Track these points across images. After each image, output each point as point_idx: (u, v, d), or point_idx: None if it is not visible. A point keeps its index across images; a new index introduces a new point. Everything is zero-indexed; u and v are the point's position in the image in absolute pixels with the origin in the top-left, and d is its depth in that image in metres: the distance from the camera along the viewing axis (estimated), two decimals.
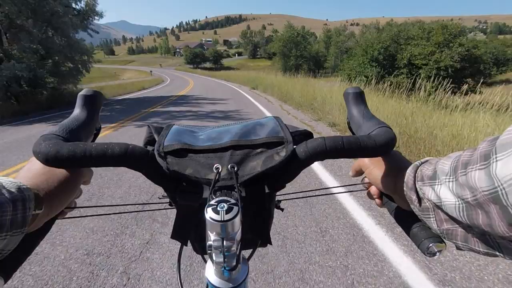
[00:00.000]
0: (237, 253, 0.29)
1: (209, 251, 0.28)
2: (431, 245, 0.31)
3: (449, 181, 0.25)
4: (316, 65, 49.47)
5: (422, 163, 0.32)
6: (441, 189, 0.26)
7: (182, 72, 53.29)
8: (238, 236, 0.28)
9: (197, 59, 72.54)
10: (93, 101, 0.39)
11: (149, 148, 0.36)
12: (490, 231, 0.22)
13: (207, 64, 74.10)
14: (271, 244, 0.38)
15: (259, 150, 0.35)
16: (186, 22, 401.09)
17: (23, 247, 0.29)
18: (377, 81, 8.25)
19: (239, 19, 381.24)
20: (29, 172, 0.31)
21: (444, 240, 0.31)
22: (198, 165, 0.33)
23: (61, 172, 0.32)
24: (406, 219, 0.35)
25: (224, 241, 0.27)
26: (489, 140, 0.22)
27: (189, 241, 0.38)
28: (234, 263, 0.29)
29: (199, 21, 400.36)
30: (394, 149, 0.36)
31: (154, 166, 0.33)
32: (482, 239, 0.25)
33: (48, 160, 0.30)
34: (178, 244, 0.41)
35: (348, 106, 0.42)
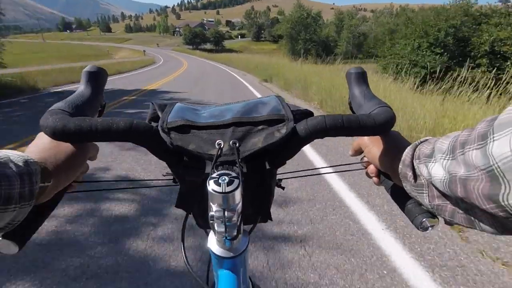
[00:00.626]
0: (238, 223, 0.30)
1: (211, 221, 0.29)
2: (424, 220, 0.33)
3: (444, 159, 0.26)
4: (325, 50, 44.80)
5: (421, 142, 0.33)
6: (434, 166, 0.27)
7: (178, 53, 49.17)
8: (239, 208, 0.29)
9: (197, 39, 67.67)
10: (97, 77, 0.39)
11: (153, 124, 0.37)
12: (466, 200, 0.24)
13: (208, 46, 69.28)
14: (271, 220, 0.40)
15: (260, 127, 0.36)
16: (188, 1, 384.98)
17: (35, 217, 0.31)
18: (442, 74, 5.21)
19: (243, 0, 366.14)
20: (36, 147, 0.32)
21: (436, 215, 0.32)
22: (200, 141, 0.34)
23: (68, 147, 0.33)
24: (401, 196, 0.37)
25: (226, 212, 0.28)
26: (488, 120, 0.23)
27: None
28: (235, 233, 0.30)
29: (202, 0, 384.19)
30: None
31: (158, 141, 0.34)
32: (466, 215, 0.26)
33: (55, 134, 0.30)
34: None
35: (350, 86, 0.43)
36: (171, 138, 0.34)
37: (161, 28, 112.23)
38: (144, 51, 45.60)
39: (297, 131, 0.34)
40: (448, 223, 0.31)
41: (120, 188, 0.39)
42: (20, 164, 0.27)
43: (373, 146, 0.40)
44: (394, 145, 0.36)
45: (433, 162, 0.28)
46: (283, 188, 0.46)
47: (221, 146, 0.34)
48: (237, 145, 0.34)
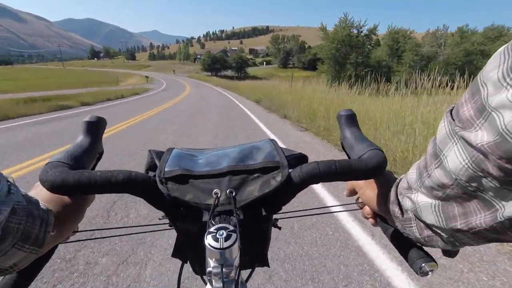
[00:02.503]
0: (236, 278, 0.30)
1: (208, 277, 0.29)
2: (423, 264, 0.32)
3: (420, 187, 0.27)
4: (377, 76, 31.44)
5: (401, 178, 0.34)
6: (417, 196, 0.28)
7: (191, 80, 39.95)
8: (237, 261, 0.29)
9: (217, 65, 58.56)
10: (96, 127, 0.40)
11: (151, 173, 0.37)
12: (464, 225, 0.24)
13: (229, 72, 60.07)
14: (268, 266, 0.40)
15: (256, 175, 0.36)
16: (212, 32, 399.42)
17: (29, 271, 0.30)
18: None
19: (266, 30, 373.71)
20: (37, 197, 0.31)
21: (435, 260, 0.32)
22: (197, 191, 0.34)
23: (67, 199, 0.33)
24: (400, 239, 0.37)
25: (223, 268, 0.28)
26: (432, 140, 0.26)
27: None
28: None
29: (226, 31, 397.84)
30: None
31: (155, 192, 0.34)
32: (451, 239, 0.27)
33: (55, 188, 0.30)
34: None
35: (341, 128, 0.44)
36: (168, 189, 0.34)
37: (182, 55, 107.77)
38: (147, 77, 36.44)
39: (292, 178, 0.35)
40: (446, 253, 0.31)
41: (114, 236, 0.42)
42: (44, 209, 0.28)
43: (366, 188, 0.40)
44: (387, 187, 0.36)
45: (414, 193, 0.29)
46: (279, 228, 0.45)
47: (218, 196, 0.34)
48: (233, 194, 0.34)
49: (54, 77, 43.81)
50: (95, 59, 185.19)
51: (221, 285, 0.29)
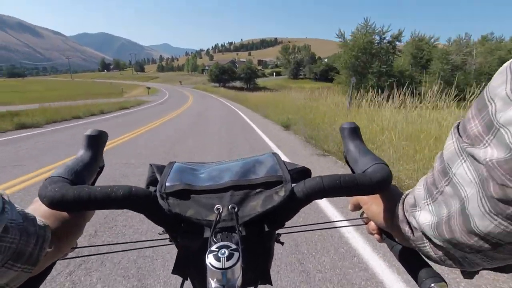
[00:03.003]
0: None
1: None
2: (432, 285, 0.31)
3: (428, 204, 0.26)
4: (402, 87, 27.18)
5: (407, 194, 0.33)
6: (421, 214, 0.27)
7: (196, 92, 37.28)
8: (239, 282, 0.28)
9: (225, 75, 55.95)
10: (98, 140, 0.40)
11: (152, 188, 0.37)
12: (453, 241, 0.23)
13: (237, 83, 57.38)
14: (271, 284, 0.38)
15: (258, 190, 0.35)
16: (221, 44, 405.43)
17: None
18: None
19: (274, 42, 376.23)
20: (36, 212, 0.31)
21: (444, 280, 0.31)
22: (199, 206, 0.34)
23: (66, 214, 0.33)
24: (406, 256, 0.35)
25: None
26: (439, 156, 0.25)
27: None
28: None
29: (234, 43, 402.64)
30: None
31: (156, 208, 0.33)
32: (464, 260, 0.26)
33: (54, 204, 0.30)
34: None
35: (344, 141, 0.43)
36: (169, 205, 0.33)
37: (189, 66, 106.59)
38: (149, 88, 33.77)
39: (295, 193, 0.34)
40: (465, 274, 0.30)
41: (113, 252, 0.54)
42: (41, 226, 0.27)
43: (371, 203, 0.39)
44: (392, 202, 0.35)
45: (418, 210, 0.28)
46: (282, 243, 0.44)
47: (220, 211, 0.33)
48: (236, 210, 0.33)
49: (61, 89, 43.34)
50: (105, 71, 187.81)
51: None
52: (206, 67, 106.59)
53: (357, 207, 0.43)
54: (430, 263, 0.33)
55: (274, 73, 79.47)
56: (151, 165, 0.41)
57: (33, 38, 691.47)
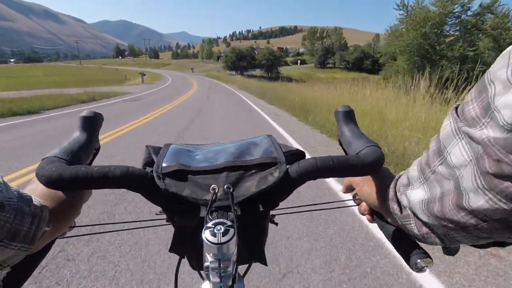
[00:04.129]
0: (233, 273, 0.30)
1: (206, 272, 0.29)
2: (418, 260, 0.32)
3: (422, 184, 0.27)
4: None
5: (400, 175, 0.34)
6: (412, 192, 0.28)
7: (206, 81, 30.65)
8: (234, 256, 0.29)
9: (243, 62, 47.12)
10: (93, 122, 0.40)
11: (148, 169, 0.37)
12: (441, 217, 0.24)
13: (257, 72, 48.61)
14: (265, 264, 0.39)
15: (253, 170, 0.36)
16: (239, 32, 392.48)
17: (24, 267, 0.30)
18: None
19: (294, 30, 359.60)
20: (34, 192, 0.31)
21: (430, 256, 0.33)
22: (195, 186, 0.34)
23: (64, 194, 0.33)
24: (396, 236, 0.37)
25: (221, 262, 0.28)
26: (435, 138, 0.26)
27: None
28: (230, 283, 0.30)
29: (253, 31, 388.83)
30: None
31: (153, 187, 0.33)
32: (447, 235, 0.27)
33: (51, 183, 0.30)
34: None
35: (339, 124, 0.44)
36: (165, 185, 0.33)
37: (204, 53, 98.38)
38: (143, 74, 25.77)
39: (289, 174, 0.35)
40: (446, 251, 0.32)
41: (112, 231, 0.51)
42: (38, 206, 0.27)
43: (364, 184, 0.40)
44: (384, 184, 0.36)
45: (411, 189, 0.29)
46: (276, 224, 0.45)
47: (216, 191, 0.34)
48: (231, 190, 0.34)
49: (62, 74, 41.12)
50: (120, 57, 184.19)
51: (218, 280, 0.29)
52: (222, 54, 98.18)
53: (350, 189, 0.44)
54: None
55: (299, 61, 69.39)
56: (147, 146, 0.41)
57: (56, 25, 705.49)
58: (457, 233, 0.25)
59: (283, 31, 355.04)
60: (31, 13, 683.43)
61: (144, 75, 25.83)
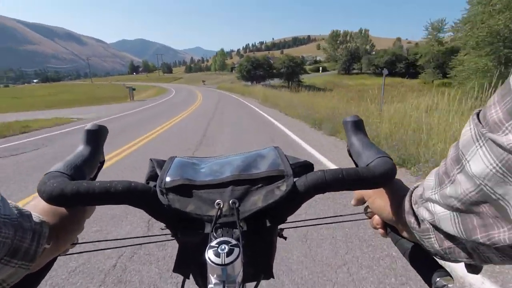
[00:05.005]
0: None
1: None
2: (438, 279, 0.30)
3: (435, 193, 0.26)
4: None
5: (416, 187, 0.32)
6: (434, 206, 0.26)
7: (216, 94, 25.65)
8: (240, 277, 0.28)
9: (259, 71, 41.27)
10: (98, 135, 0.39)
11: (151, 183, 0.36)
12: (486, 238, 0.21)
13: (275, 81, 42.52)
14: (273, 278, 0.37)
15: (259, 184, 0.35)
16: (252, 44, 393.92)
17: (24, 286, 0.29)
18: None
19: (307, 40, 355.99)
20: (36, 208, 0.31)
21: (450, 274, 0.31)
22: (199, 201, 0.33)
23: (66, 210, 0.32)
24: (411, 250, 0.35)
25: (225, 285, 0.27)
26: (454, 145, 0.24)
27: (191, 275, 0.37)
28: None
29: (266, 42, 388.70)
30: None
31: (155, 203, 0.33)
32: (475, 252, 0.25)
33: (52, 199, 0.30)
34: None
35: (348, 134, 0.42)
36: (169, 201, 0.32)
37: (216, 64, 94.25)
38: (133, 89, 20.05)
39: (297, 187, 0.33)
40: (470, 269, 0.29)
41: (116, 247, 0.52)
42: (37, 222, 0.27)
43: (376, 197, 0.38)
44: (398, 196, 0.35)
45: (429, 201, 0.27)
46: (285, 238, 0.44)
47: (221, 207, 0.32)
48: (236, 205, 0.33)
49: (67, 92, 40.15)
50: (134, 73, 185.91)
51: None
52: (235, 65, 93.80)
53: (360, 201, 0.42)
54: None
55: (320, 68, 62.79)
56: (151, 159, 0.40)
57: (78, 46, 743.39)
58: (489, 250, 0.23)
59: (297, 41, 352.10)
60: (55, 36, 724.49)
61: (134, 89, 20.26)
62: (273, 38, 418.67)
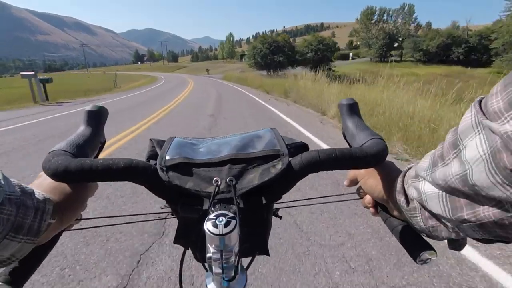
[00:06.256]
0: (235, 264, 0.30)
1: (208, 263, 0.29)
2: (422, 253, 0.32)
3: (427, 174, 0.27)
4: None
5: (409, 168, 0.33)
6: (424, 185, 0.28)
7: (219, 88, 16.42)
8: (236, 248, 0.29)
9: (278, 56, 30.93)
10: (98, 116, 0.40)
11: (152, 162, 0.37)
12: (471, 215, 0.22)
13: (298, 70, 32.35)
14: (268, 255, 0.39)
15: (256, 163, 0.36)
16: (262, 32, 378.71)
17: (32, 259, 0.31)
18: None
19: (320, 28, 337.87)
20: (41, 186, 0.32)
21: (434, 249, 0.32)
22: (198, 179, 0.34)
23: (70, 187, 0.33)
24: (398, 227, 0.36)
25: (223, 253, 0.28)
26: (452, 130, 0.24)
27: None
28: (233, 274, 0.30)
29: (276, 31, 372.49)
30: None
31: (156, 180, 0.34)
32: (457, 229, 0.26)
33: (57, 175, 0.31)
34: None
35: (342, 117, 0.43)
36: (169, 177, 0.34)
37: (224, 52, 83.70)
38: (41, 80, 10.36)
39: (292, 166, 0.35)
40: (452, 246, 0.31)
41: (119, 224, 0.55)
42: (40, 199, 0.28)
43: (368, 177, 0.40)
44: (389, 176, 0.36)
45: (420, 181, 0.28)
46: (280, 217, 0.45)
47: (218, 184, 0.34)
48: (234, 182, 0.34)
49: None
50: (139, 62, 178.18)
51: (220, 270, 0.29)
52: (245, 53, 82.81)
53: (353, 182, 0.44)
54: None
55: (350, 55, 51.60)
56: (151, 139, 0.41)
57: (88, 36, 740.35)
58: (471, 227, 0.24)
59: (309, 29, 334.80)
60: (65, 25, 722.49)
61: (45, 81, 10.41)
62: (284, 26, 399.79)
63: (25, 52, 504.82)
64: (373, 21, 48.19)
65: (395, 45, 45.74)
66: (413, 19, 46.72)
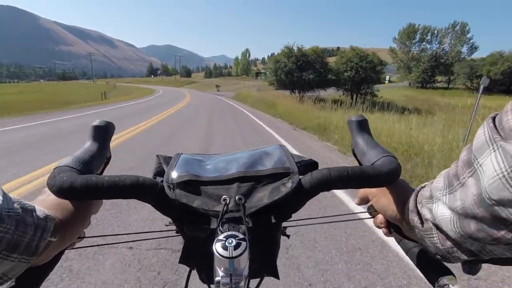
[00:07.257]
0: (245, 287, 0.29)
1: (217, 286, 0.28)
2: (441, 278, 0.31)
3: (443, 195, 0.25)
4: None
5: (422, 187, 0.32)
6: (438, 207, 0.26)
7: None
8: (246, 271, 0.28)
9: (308, 73, 23.62)
10: (105, 131, 0.39)
11: (159, 179, 0.37)
12: (482, 236, 0.22)
13: (330, 92, 25.25)
14: (277, 277, 0.37)
15: (265, 181, 0.35)
16: (277, 53, 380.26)
17: (31, 278, 0.29)
18: None
19: (336, 51, 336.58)
20: (43, 203, 0.31)
21: (453, 273, 0.31)
22: (206, 197, 0.33)
23: (74, 204, 0.33)
24: (414, 250, 0.35)
25: (232, 278, 0.27)
26: (466, 148, 0.24)
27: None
28: None
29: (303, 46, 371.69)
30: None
31: (163, 198, 0.33)
32: (479, 248, 0.25)
33: (62, 192, 0.30)
34: None
35: (352, 134, 0.42)
36: (176, 195, 0.33)
37: (239, 68, 78.43)
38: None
39: (302, 184, 0.34)
40: (467, 270, 0.29)
41: (121, 242, 0.46)
42: (41, 217, 0.27)
43: (380, 196, 0.38)
44: (402, 195, 0.35)
45: (435, 202, 0.27)
46: (288, 236, 0.44)
47: (227, 202, 0.33)
48: (243, 201, 0.33)
49: (37, 92, 32.76)
50: (152, 76, 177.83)
51: None
52: (262, 71, 77.25)
53: (364, 200, 0.42)
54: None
55: (387, 78, 44.35)
56: (157, 156, 0.41)
57: (110, 49, 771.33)
58: (498, 247, 0.23)
59: (325, 53, 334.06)
60: (88, 38, 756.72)
61: None
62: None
63: (47, 61, 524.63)
64: (414, 41, 41.24)
65: (440, 68, 38.23)
66: (466, 39, 39.27)
